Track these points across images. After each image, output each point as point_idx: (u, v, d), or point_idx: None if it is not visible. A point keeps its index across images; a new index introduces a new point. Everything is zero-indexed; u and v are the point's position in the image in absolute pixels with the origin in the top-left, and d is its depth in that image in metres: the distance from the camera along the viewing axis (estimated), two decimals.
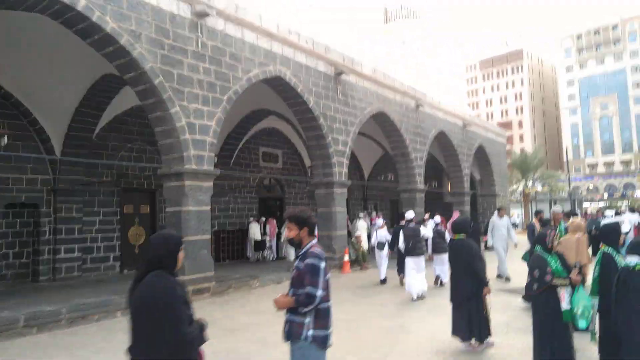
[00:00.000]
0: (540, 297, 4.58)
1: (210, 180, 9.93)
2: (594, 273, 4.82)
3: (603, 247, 4.92)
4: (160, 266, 2.66)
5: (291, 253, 16.40)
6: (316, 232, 4.18)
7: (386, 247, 11.49)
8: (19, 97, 11.56)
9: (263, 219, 17.24)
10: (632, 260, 4.12)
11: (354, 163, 24.01)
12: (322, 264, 3.23)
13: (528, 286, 4.71)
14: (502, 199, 26.02)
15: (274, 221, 17.44)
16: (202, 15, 9.77)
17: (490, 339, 5.69)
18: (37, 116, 11.91)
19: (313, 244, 3.34)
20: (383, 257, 11.57)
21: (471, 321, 5.37)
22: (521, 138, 79.19)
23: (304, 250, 3.31)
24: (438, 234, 11.06)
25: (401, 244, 9.88)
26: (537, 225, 9.92)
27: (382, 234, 11.86)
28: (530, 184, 32.33)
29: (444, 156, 22.02)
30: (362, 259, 14.04)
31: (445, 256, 9.81)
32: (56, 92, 11.60)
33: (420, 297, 9.23)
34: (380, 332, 6.65)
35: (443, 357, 5.47)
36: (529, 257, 5.00)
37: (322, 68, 13.38)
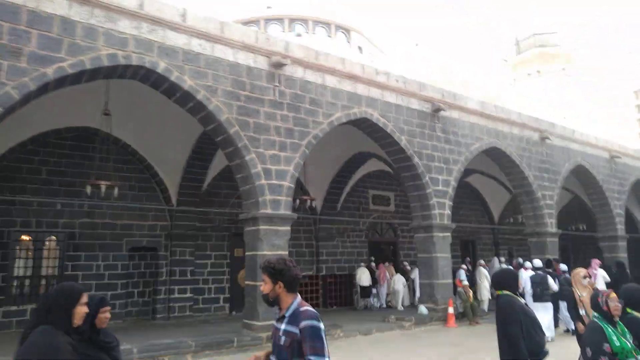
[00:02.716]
0: None
1: (287, 224, 9.95)
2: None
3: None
4: (48, 321, 2.46)
5: (398, 301, 15.48)
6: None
7: None
8: (142, 153, 13.26)
9: (373, 263, 16.64)
10: None
11: (481, 205, 22.18)
12: (322, 325, 2.69)
13: None
14: None
15: (385, 266, 16.72)
16: (279, 65, 10.15)
17: None
18: (157, 169, 13.49)
19: (301, 302, 2.79)
20: None
21: None
22: None
23: (290, 310, 2.76)
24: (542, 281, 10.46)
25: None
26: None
27: None
28: None
29: (587, 194, 18.99)
30: (470, 313, 12.49)
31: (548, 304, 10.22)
32: (170, 148, 13.03)
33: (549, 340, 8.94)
34: None
35: None
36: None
37: (416, 105, 12.77)
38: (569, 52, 31.03)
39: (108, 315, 2.94)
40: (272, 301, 2.81)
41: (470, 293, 12.89)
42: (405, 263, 17.49)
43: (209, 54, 9.34)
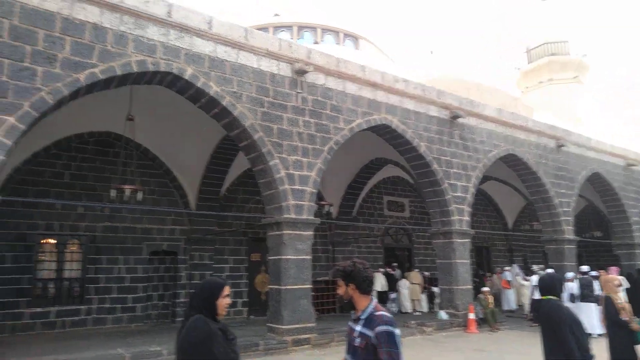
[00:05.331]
0: None
1: (310, 229, 10.02)
2: None
3: None
4: (199, 311, 2.82)
5: (407, 306, 15.61)
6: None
7: None
8: (162, 158, 13.41)
9: (390, 269, 16.65)
10: None
11: (495, 212, 22.14)
12: (398, 331, 2.79)
13: None
14: None
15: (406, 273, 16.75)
16: (302, 72, 10.27)
17: None
18: (176, 174, 13.64)
19: (376, 305, 2.90)
20: None
21: None
22: None
23: (366, 313, 2.87)
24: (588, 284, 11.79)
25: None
26: None
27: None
28: None
29: (602, 201, 18.91)
30: (491, 319, 12.46)
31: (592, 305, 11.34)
32: (189, 153, 13.18)
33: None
34: None
35: None
36: None
37: (434, 112, 12.83)
38: (580, 59, 30.85)
39: (229, 300, 3.01)
40: (347, 302, 2.97)
41: (491, 299, 12.87)
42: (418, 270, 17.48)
43: (234, 61, 9.48)
